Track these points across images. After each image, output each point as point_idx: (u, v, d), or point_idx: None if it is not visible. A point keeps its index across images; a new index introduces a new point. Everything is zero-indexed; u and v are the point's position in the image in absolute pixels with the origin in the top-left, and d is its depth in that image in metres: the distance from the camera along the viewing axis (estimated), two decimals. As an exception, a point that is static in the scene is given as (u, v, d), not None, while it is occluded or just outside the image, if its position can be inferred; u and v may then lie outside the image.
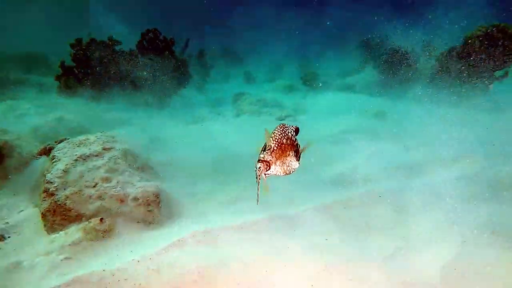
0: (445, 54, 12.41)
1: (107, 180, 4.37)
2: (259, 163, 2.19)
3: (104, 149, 4.79)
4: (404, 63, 13.10)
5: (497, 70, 11.91)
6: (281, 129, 2.27)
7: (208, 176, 5.45)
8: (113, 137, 5.14)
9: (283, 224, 4.01)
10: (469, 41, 11.52)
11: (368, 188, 4.86)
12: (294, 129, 2.33)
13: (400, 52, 13.20)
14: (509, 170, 5.05)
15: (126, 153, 4.85)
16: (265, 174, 2.21)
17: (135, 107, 10.51)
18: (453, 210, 4.19)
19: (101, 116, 8.74)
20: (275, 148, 2.22)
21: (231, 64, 21.97)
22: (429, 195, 4.56)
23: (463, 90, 12.04)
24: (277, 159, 2.23)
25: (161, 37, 12.09)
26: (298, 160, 2.35)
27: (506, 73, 12.04)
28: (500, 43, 11.37)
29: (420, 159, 5.81)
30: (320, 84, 13.87)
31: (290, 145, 2.27)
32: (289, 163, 2.28)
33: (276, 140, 2.24)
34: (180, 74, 12.64)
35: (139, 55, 11.63)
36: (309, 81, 14.13)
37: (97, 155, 4.69)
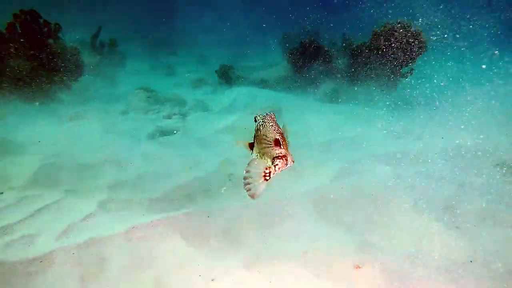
0: (356, 49, 12.27)
1: None
2: (278, 160, 2.02)
3: None
4: (317, 58, 12.80)
5: (403, 67, 11.99)
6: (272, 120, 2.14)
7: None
8: None
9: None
10: (375, 36, 11.43)
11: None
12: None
13: (314, 46, 12.88)
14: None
15: None
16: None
17: (7, 103, 9.13)
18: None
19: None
20: (283, 140, 2.09)
21: (154, 55, 20.64)
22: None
23: (371, 86, 11.98)
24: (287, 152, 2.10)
25: (41, 21, 10.55)
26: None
27: (411, 70, 12.17)
28: (404, 40, 11.40)
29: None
30: (235, 78, 13.19)
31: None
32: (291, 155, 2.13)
33: (278, 131, 2.11)
34: (72, 65, 11.30)
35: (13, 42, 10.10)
36: (224, 75, 13.38)
37: None
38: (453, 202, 4.24)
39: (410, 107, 11.78)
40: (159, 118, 8.34)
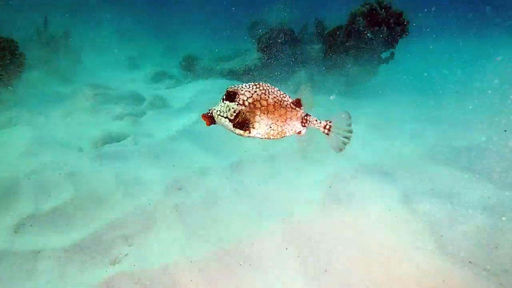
0: (331, 34, 11.25)
1: None
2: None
3: None
4: (289, 45, 11.70)
5: (383, 51, 11.07)
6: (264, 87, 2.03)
7: None
8: None
9: None
10: (353, 19, 10.42)
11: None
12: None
13: (284, 33, 11.76)
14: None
15: None
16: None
17: None
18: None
19: None
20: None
21: (115, 47, 19.00)
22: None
23: (348, 73, 11.02)
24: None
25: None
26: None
27: (392, 55, 11.27)
28: (384, 22, 10.44)
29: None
30: (201, 70, 11.95)
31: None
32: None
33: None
34: (13, 61, 9.79)
35: None
36: (188, 67, 12.11)
37: None
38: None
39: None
40: (108, 120, 7.06)
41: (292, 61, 11.66)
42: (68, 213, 3.63)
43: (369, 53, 10.86)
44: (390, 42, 10.83)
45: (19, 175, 4.30)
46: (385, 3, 10.53)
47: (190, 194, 3.98)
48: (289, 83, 10.57)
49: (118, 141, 5.92)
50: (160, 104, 8.45)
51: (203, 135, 5.77)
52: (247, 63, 11.81)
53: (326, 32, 11.17)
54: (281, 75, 11.20)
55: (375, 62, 11.11)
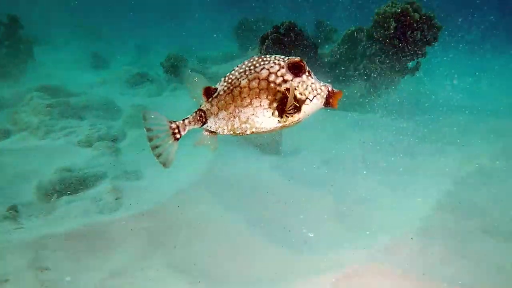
0: (348, 36, 9.38)
1: None
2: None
3: None
4: (291, 46, 9.68)
5: (409, 60, 9.37)
6: (251, 63, 1.72)
7: None
8: None
9: None
10: (382, 20, 8.58)
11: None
12: (287, 64, 1.66)
13: (294, 32, 9.73)
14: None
15: None
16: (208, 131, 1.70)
17: None
18: None
19: None
20: (222, 92, 1.65)
21: (79, 40, 16.11)
22: None
23: (366, 85, 9.18)
24: (221, 109, 1.64)
25: None
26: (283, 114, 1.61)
27: (418, 64, 9.61)
28: (416, 26, 8.72)
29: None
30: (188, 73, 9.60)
31: (258, 89, 1.62)
32: (247, 118, 1.60)
33: (229, 81, 1.67)
34: None
35: None
36: (172, 69, 9.74)
37: None
38: None
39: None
40: (69, 147, 4.64)
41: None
42: None
43: (395, 62, 9.08)
44: (420, 50, 9.11)
45: None
46: (417, 4, 8.82)
47: None
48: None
49: (84, 189, 3.56)
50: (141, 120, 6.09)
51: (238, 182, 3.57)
52: (246, 67, 9.64)
53: (346, 33, 9.25)
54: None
55: (399, 72, 9.35)
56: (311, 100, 1.65)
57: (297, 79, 1.64)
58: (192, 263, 2.68)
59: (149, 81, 8.92)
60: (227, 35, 14.39)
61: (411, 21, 8.57)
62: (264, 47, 9.69)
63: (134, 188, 3.59)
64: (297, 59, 1.66)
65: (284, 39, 9.50)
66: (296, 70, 1.63)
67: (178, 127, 1.69)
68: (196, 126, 1.71)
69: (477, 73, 11.70)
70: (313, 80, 1.69)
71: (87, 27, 18.50)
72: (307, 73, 1.69)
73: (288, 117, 1.63)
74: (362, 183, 4.02)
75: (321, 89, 1.69)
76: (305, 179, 4.07)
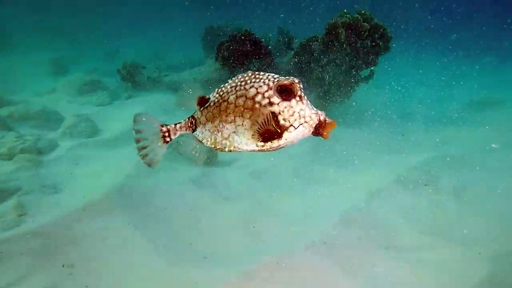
0: (303, 46, 9.51)
1: None
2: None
3: None
4: (254, 56, 9.75)
5: (363, 69, 9.56)
6: (243, 79, 1.67)
7: None
8: None
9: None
10: (333, 30, 8.75)
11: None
12: (276, 86, 1.58)
13: (250, 40, 9.80)
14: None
15: None
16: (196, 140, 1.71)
17: None
18: None
19: None
20: (212, 104, 1.66)
21: (39, 45, 15.72)
22: None
23: (320, 94, 9.32)
24: (208, 120, 1.65)
25: None
26: (267, 142, 1.56)
27: (372, 73, 9.82)
28: (366, 35, 8.92)
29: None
30: (145, 82, 9.56)
31: (243, 108, 1.56)
32: (229, 134, 1.59)
33: (221, 93, 1.67)
34: None
35: None
36: (129, 77, 9.64)
37: None
38: None
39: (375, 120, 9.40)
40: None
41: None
42: None
43: (348, 70, 9.26)
44: (372, 59, 9.33)
45: None
46: (367, 15, 9.03)
47: None
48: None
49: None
50: (85, 130, 6.01)
51: (152, 203, 3.53)
52: (203, 75, 9.67)
53: (300, 43, 9.38)
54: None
55: (353, 81, 9.54)
56: (295, 128, 1.55)
57: (284, 104, 1.55)
58: (82, 285, 2.63)
59: (102, 89, 8.79)
60: (197, 42, 14.32)
61: (361, 30, 8.78)
62: (220, 55, 9.74)
63: (45, 203, 3.50)
64: (288, 81, 1.55)
65: (240, 48, 9.56)
66: (284, 93, 1.55)
67: (169, 130, 1.73)
68: (187, 132, 1.72)
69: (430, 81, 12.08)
70: (303, 106, 1.57)
71: (55, 32, 18.15)
72: (297, 98, 1.57)
73: (266, 142, 1.55)
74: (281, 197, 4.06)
75: (310, 117, 1.57)
76: (229, 192, 4.08)
